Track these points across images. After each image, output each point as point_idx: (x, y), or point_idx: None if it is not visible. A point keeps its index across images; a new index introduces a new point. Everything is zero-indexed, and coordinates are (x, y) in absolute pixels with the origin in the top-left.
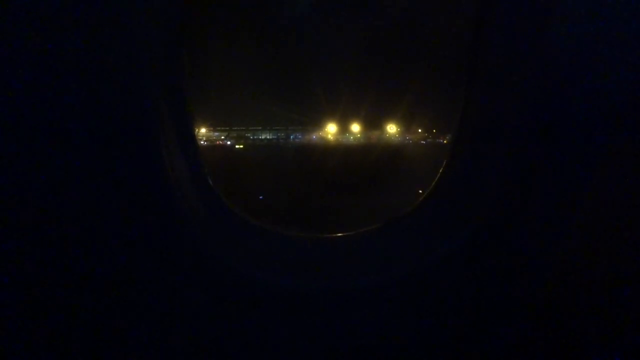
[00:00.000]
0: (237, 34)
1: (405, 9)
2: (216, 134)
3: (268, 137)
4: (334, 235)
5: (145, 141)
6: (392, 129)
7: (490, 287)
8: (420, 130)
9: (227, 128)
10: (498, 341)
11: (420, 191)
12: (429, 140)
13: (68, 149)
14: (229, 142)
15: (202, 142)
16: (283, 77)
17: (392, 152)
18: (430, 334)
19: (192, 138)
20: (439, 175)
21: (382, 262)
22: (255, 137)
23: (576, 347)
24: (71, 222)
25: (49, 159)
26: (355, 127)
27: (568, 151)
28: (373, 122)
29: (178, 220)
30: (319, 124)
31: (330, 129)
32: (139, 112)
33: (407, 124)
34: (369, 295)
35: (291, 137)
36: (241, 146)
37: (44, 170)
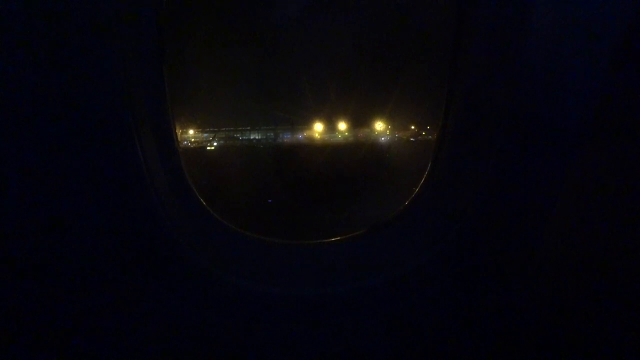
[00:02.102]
0: (222, 33)
1: (390, 7)
2: (205, 134)
3: (256, 137)
4: (319, 241)
5: (121, 144)
6: (380, 126)
7: (479, 289)
8: (412, 127)
9: (214, 129)
10: (486, 344)
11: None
12: (419, 137)
13: (41, 151)
14: (200, 144)
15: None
16: (270, 76)
17: (380, 151)
18: (417, 337)
19: (172, 141)
20: (424, 177)
21: (368, 267)
22: (239, 137)
23: (567, 347)
24: (44, 225)
25: (22, 160)
26: (343, 126)
27: (554, 150)
28: (361, 120)
29: (157, 226)
30: (306, 122)
31: (317, 128)
32: (114, 112)
33: (396, 121)
34: (355, 300)
35: (278, 136)
36: (212, 148)
37: (16, 171)
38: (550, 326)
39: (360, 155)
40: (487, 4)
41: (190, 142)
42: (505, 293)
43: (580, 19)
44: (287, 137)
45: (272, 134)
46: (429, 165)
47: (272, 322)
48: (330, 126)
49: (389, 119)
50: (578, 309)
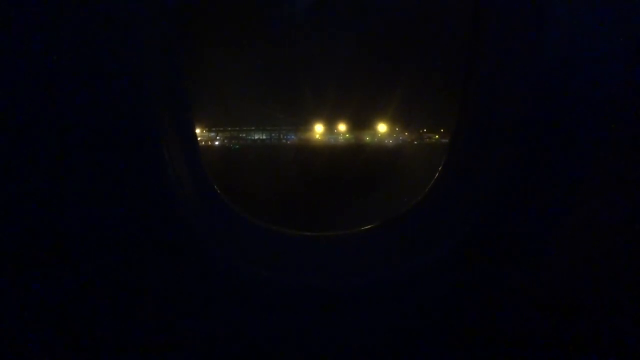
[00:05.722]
0: (233, 36)
1: (400, 6)
2: (212, 134)
3: (262, 137)
4: (331, 233)
5: (147, 142)
6: (386, 128)
7: (487, 288)
8: (424, 130)
9: (220, 128)
10: (491, 342)
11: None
12: (428, 140)
13: (68, 150)
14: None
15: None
16: (277, 77)
17: (387, 152)
18: (428, 331)
19: (193, 139)
20: (436, 176)
21: (379, 262)
22: (248, 137)
23: (570, 351)
24: (71, 222)
25: (49, 159)
26: (350, 128)
27: (567, 152)
28: (369, 123)
29: (180, 220)
30: (312, 124)
31: (318, 129)
32: (139, 113)
33: (405, 123)
34: (365, 294)
35: (278, 137)
36: (222, 146)
37: (44, 169)
38: (559, 329)
39: (368, 156)
40: (503, 5)
41: (199, 139)
42: (517, 290)
43: (598, 20)
44: (293, 138)
45: (279, 135)
46: (443, 161)
47: (285, 313)
48: (336, 128)
49: (398, 121)
50: (588, 313)
